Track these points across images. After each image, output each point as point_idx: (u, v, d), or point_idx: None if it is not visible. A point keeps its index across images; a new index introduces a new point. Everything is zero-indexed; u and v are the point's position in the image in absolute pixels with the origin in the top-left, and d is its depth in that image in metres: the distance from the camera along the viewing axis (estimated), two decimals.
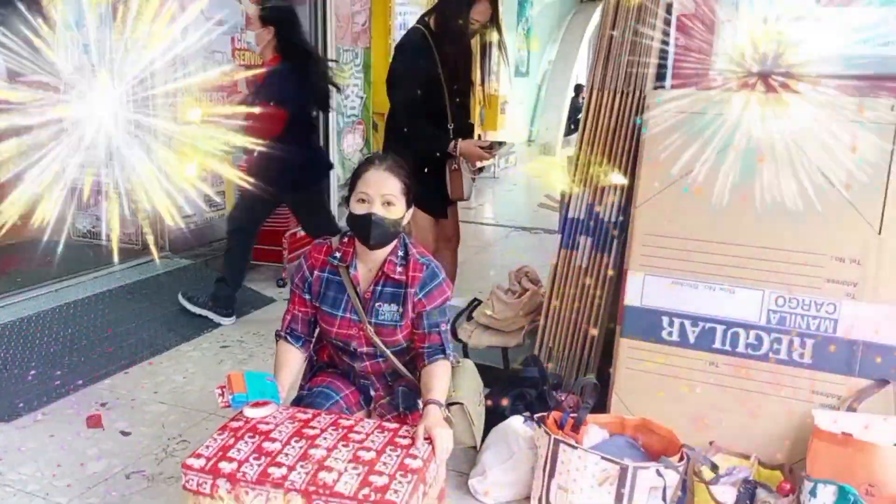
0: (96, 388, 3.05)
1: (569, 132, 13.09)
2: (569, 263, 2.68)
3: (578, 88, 14.24)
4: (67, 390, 2.97)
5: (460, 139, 3.13)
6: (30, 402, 2.83)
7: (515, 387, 2.56)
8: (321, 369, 2.27)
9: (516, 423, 2.41)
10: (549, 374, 2.60)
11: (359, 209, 2.00)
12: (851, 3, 2.29)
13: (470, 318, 3.13)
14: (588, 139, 2.59)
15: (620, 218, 2.57)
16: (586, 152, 2.59)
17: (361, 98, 6.30)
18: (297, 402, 2.15)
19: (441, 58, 3.07)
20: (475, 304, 3.19)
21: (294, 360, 2.13)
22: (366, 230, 1.99)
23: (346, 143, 6.12)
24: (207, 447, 1.86)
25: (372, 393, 2.23)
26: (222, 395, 1.91)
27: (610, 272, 2.62)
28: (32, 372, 3.04)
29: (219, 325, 3.78)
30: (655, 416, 2.27)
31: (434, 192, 3.18)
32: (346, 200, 2.08)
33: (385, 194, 1.99)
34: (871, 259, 2.12)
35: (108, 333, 3.45)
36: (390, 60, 3.21)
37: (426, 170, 3.10)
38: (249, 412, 1.95)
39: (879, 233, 2.11)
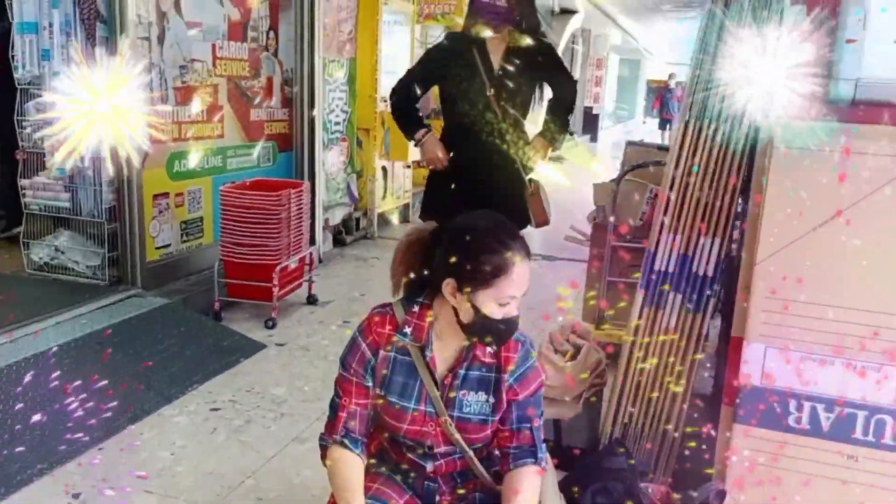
0: (66, 470, 2.48)
1: None
2: (653, 324, 2.25)
3: None
4: (30, 476, 2.40)
5: (430, 133, 2.87)
6: None
7: (595, 478, 2.11)
8: (366, 469, 1.76)
9: None
10: (638, 463, 2.15)
11: (498, 312, 1.53)
12: None
13: None
14: (681, 177, 2.16)
15: (719, 272, 2.15)
16: (679, 192, 2.16)
17: (346, 113, 5.80)
18: None
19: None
20: None
21: (361, 473, 1.61)
22: (503, 336, 1.58)
23: (329, 160, 5.61)
24: None
25: (437, 498, 1.74)
26: None
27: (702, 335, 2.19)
28: None
29: (206, 379, 3.24)
30: None
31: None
32: (458, 282, 1.53)
33: (525, 291, 1.56)
34: None
35: (73, 398, 2.86)
36: None
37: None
38: None
39: None
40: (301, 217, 4.16)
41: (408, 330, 1.60)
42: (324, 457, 1.66)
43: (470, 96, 2.82)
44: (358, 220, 6.12)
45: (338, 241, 5.84)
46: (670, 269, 2.21)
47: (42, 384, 2.87)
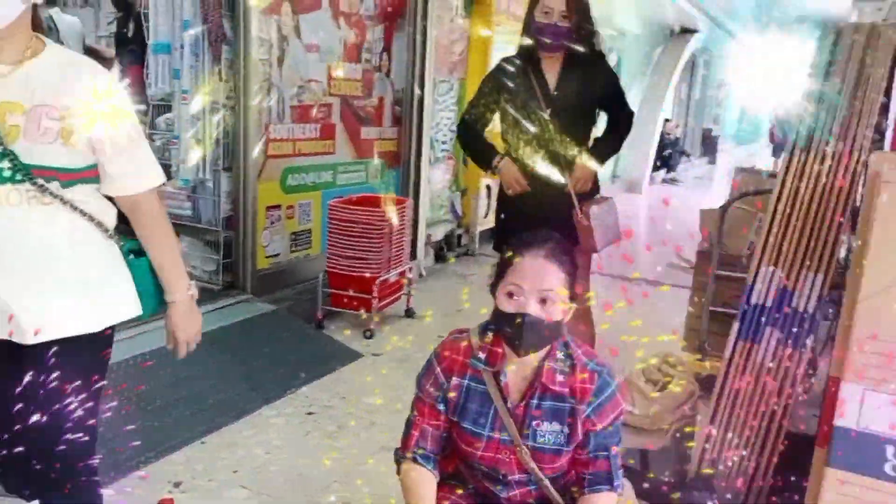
0: (170, 460, 2.66)
1: (656, 168, 12.52)
2: (747, 359, 2.17)
3: (666, 123, 13.68)
4: (137, 463, 2.60)
5: (506, 158, 2.82)
6: None
7: None
8: (441, 483, 1.79)
9: None
10: (724, 502, 2.08)
11: (509, 306, 1.55)
12: None
13: None
14: (784, 209, 2.08)
15: (823, 309, 2.06)
16: (781, 224, 2.09)
17: (453, 132, 5.91)
18: None
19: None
20: None
21: (433, 490, 1.65)
22: (517, 334, 1.54)
23: (435, 178, 5.73)
24: None
25: None
26: None
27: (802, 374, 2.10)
28: (99, 440, 2.67)
29: (304, 384, 3.38)
30: None
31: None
32: (491, 288, 1.64)
33: (544, 290, 1.54)
34: None
35: (184, 393, 3.07)
36: None
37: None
38: None
39: None
40: (403, 232, 4.28)
41: (482, 355, 1.62)
42: (398, 471, 1.71)
43: (527, 119, 2.74)
44: (460, 236, 6.21)
45: (439, 257, 5.95)
46: (768, 303, 2.13)
47: (156, 379, 3.10)
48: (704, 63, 17.06)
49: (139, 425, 2.79)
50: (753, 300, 2.14)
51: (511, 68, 2.81)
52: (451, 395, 1.64)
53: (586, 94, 2.77)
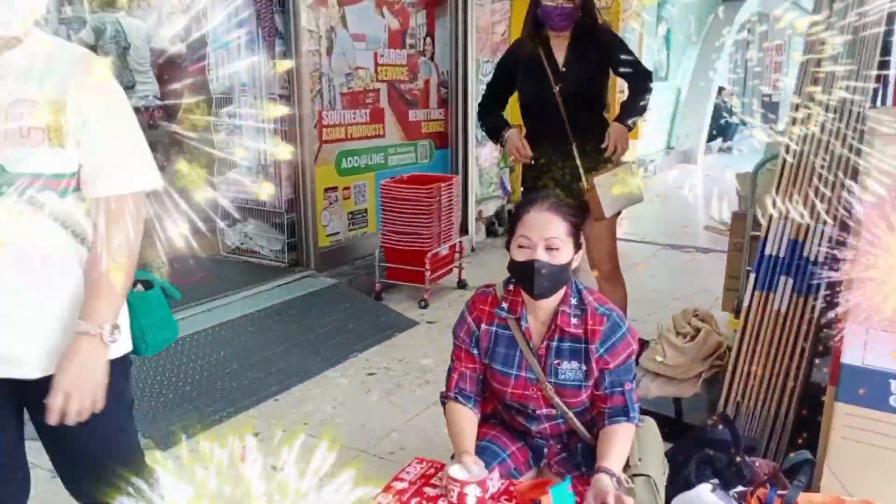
0: (248, 415, 3.00)
1: (711, 138, 12.40)
2: (764, 307, 2.35)
3: (721, 92, 13.49)
4: (220, 418, 2.94)
5: (513, 129, 2.98)
6: (185, 430, 2.81)
7: (700, 448, 2.25)
8: (482, 422, 2.04)
9: (704, 493, 2.10)
10: (743, 437, 2.27)
11: (520, 255, 1.79)
12: None
13: (636, 362, 2.84)
14: (791, 164, 2.24)
15: (831, 257, 2.21)
16: (789, 179, 2.25)
17: None
18: None
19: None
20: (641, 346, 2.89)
21: (473, 425, 1.89)
22: (529, 279, 1.78)
23: (482, 156, 5.95)
24: None
25: (545, 450, 2.00)
26: None
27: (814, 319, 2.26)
28: (186, 397, 3.02)
29: (364, 349, 3.68)
30: (880, 499, 1.91)
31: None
32: (506, 244, 1.88)
33: (549, 238, 1.76)
34: None
35: (257, 358, 3.41)
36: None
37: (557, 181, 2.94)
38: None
39: None
40: (451, 208, 4.52)
41: (505, 305, 1.86)
42: (444, 411, 1.97)
43: (539, 97, 2.90)
44: (510, 211, 6.42)
45: (491, 232, 6.18)
46: (781, 254, 2.30)
47: (231, 346, 3.45)
48: (760, 29, 16.65)
49: (219, 386, 3.15)
50: (767, 251, 2.31)
51: (522, 49, 2.97)
52: (484, 341, 1.88)
53: (594, 66, 2.92)
